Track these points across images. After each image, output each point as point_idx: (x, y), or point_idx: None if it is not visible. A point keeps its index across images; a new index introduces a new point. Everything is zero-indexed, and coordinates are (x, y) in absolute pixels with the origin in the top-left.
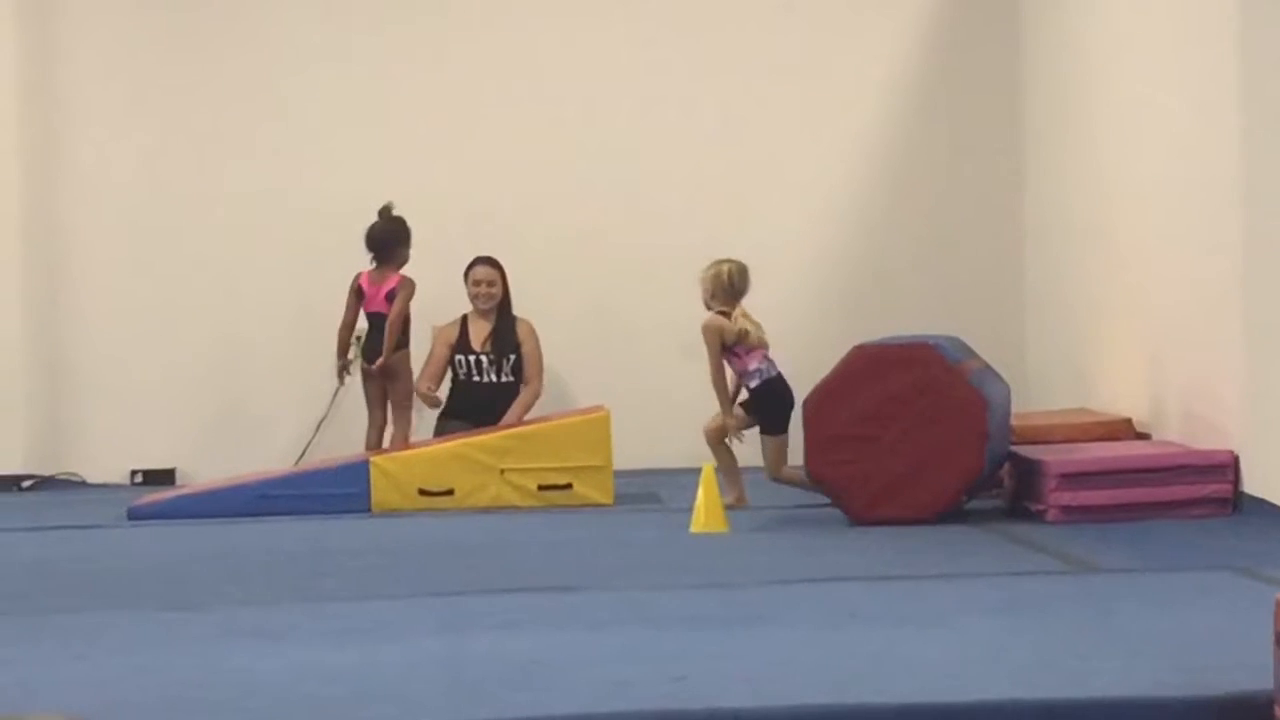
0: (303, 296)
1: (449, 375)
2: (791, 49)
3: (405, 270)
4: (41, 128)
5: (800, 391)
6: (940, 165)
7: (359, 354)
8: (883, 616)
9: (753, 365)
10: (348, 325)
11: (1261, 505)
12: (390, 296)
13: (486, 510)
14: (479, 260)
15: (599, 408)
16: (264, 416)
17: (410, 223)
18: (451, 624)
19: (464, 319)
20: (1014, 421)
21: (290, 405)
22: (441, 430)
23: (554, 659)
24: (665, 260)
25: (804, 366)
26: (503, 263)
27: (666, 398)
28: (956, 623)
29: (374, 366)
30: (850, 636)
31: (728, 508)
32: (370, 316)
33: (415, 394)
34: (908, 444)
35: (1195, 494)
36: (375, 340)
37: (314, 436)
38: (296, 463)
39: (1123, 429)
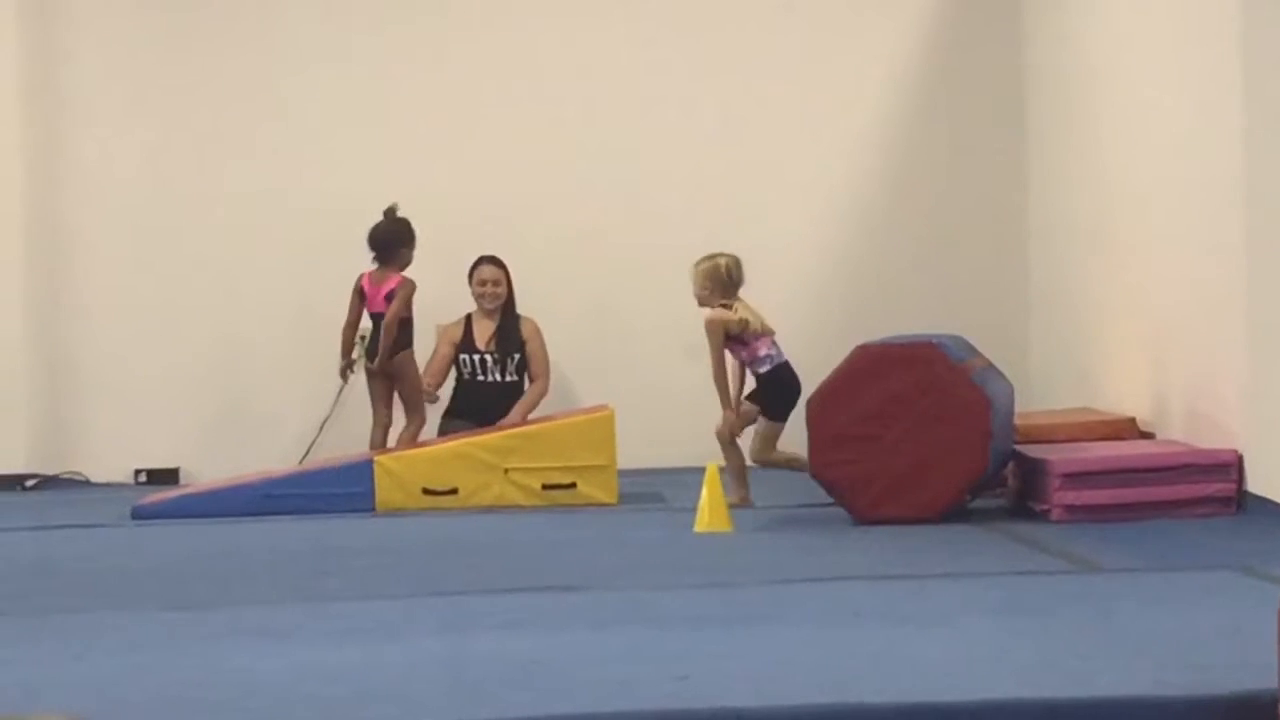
0: (305, 295)
1: (453, 375)
2: (792, 49)
3: (408, 271)
4: (44, 127)
5: (803, 391)
6: (942, 165)
7: (363, 353)
8: (886, 616)
9: (762, 351)
10: (351, 325)
11: (1265, 505)
12: (390, 297)
13: (490, 510)
14: (483, 260)
15: (603, 407)
16: (268, 415)
17: (412, 222)
18: (454, 623)
19: (468, 318)
20: (1017, 421)
21: (294, 404)
22: (446, 430)
23: (557, 659)
24: (667, 259)
25: (807, 366)
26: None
27: (670, 397)
28: (959, 622)
29: (374, 366)
30: (853, 636)
31: (731, 507)
32: (373, 317)
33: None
34: (911, 443)
35: (1199, 493)
36: (378, 340)
37: (318, 435)
38: (300, 462)
39: (1126, 428)
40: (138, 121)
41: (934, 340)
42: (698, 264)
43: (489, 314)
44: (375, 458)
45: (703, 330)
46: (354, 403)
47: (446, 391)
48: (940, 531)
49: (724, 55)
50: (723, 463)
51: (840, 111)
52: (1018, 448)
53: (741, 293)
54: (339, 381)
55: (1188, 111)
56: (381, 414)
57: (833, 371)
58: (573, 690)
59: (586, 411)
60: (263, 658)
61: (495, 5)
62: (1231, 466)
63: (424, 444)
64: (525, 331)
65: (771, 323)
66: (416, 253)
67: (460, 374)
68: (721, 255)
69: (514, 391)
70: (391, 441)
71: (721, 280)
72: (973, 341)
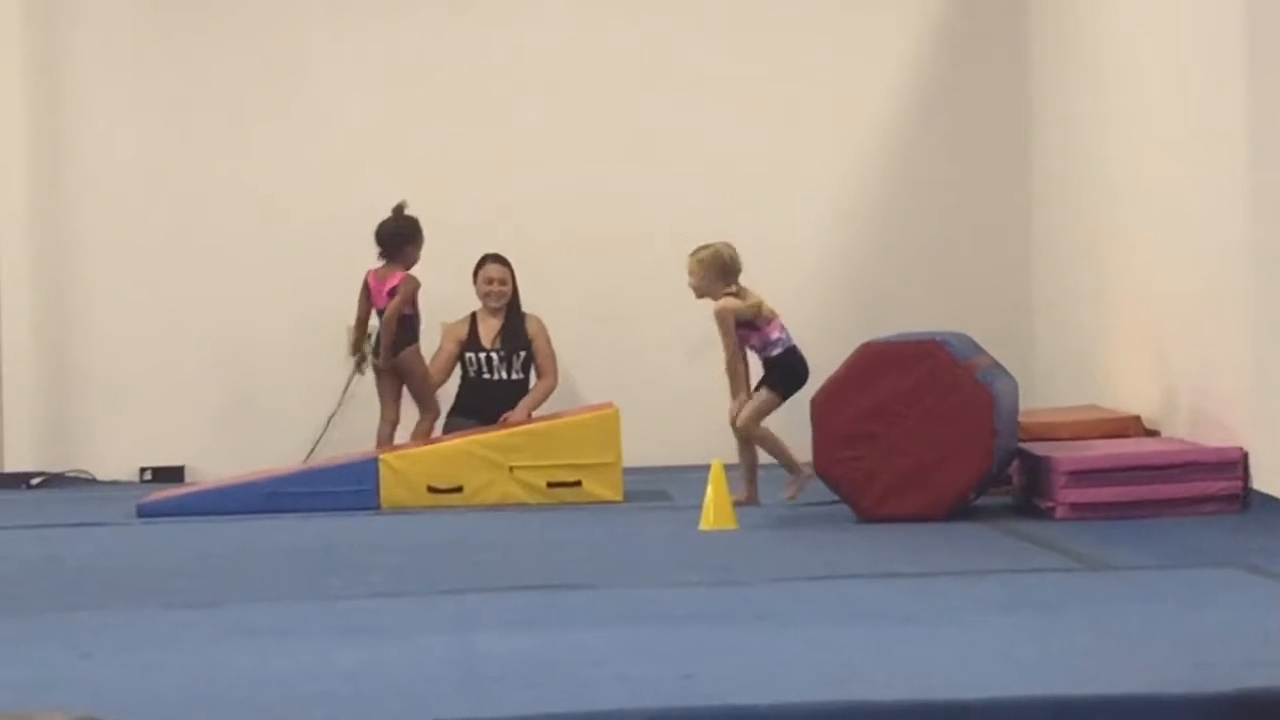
0: (310, 293)
1: (459, 373)
2: (798, 49)
3: (414, 270)
4: (48, 128)
5: (808, 389)
6: (947, 164)
7: (371, 350)
8: (891, 614)
9: (774, 335)
10: (360, 322)
11: (1270, 502)
12: (393, 293)
13: (495, 508)
14: (489, 258)
15: (608, 405)
16: (273, 413)
17: (419, 221)
18: (460, 621)
19: (473, 316)
20: (1022, 418)
21: (299, 401)
22: (451, 428)
23: (562, 656)
24: (672, 257)
25: (812, 364)
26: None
27: (675, 394)
28: (965, 620)
29: (379, 363)
30: (858, 634)
31: (737, 504)
32: (379, 313)
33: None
34: (916, 441)
35: (1204, 491)
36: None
37: (323, 432)
38: (306, 459)
39: (1131, 426)
40: (142, 120)
41: (939, 338)
42: (695, 254)
43: (494, 312)
44: (380, 456)
45: (707, 327)
46: (360, 399)
47: (452, 389)
48: (945, 529)
49: (729, 55)
50: (734, 459)
51: (846, 110)
52: (1022, 446)
53: (748, 285)
54: (344, 379)
55: (1192, 110)
56: (389, 410)
57: (837, 369)
58: (578, 688)
59: (591, 409)
60: (269, 655)
61: (500, 6)
62: (1236, 464)
63: (429, 442)
64: (531, 329)
65: None
66: (423, 251)
67: (466, 372)
68: (719, 244)
69: (519, 389)
70: (401, 438)
71: (724, 267)
72: (977, 339)
